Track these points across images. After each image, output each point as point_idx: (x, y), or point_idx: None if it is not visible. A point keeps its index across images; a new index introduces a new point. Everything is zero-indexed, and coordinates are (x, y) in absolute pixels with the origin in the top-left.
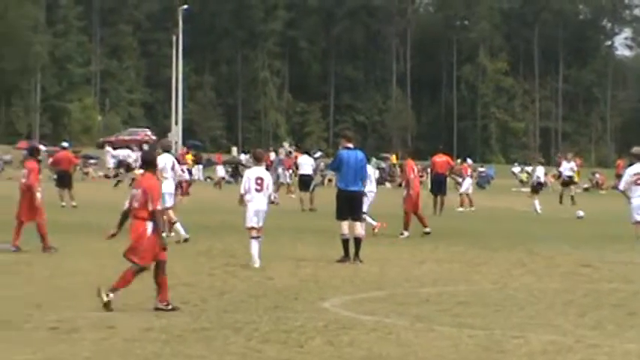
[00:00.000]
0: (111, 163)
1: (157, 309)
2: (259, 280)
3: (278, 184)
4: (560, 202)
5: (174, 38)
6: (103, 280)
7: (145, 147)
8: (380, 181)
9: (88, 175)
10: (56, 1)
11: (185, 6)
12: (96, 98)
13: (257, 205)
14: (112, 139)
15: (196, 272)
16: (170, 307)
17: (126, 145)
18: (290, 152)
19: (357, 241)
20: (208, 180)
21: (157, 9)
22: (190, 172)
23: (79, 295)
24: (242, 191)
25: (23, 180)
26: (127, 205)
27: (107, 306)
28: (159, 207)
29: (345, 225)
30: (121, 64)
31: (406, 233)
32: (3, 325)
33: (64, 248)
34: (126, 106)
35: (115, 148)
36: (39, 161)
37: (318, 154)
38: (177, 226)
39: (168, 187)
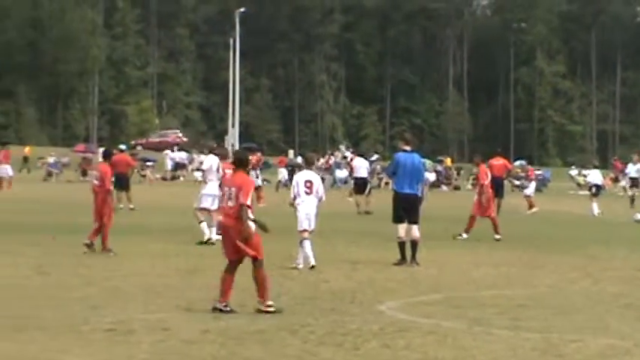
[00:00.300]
0: (169, 165)
1: (258, 311)
2: (315, 282)
3: (350, 192)
4: (632, 205)
5: (231, 41)
6: (159, 281)
7: (176, 148)
8: (436, 184)
9: (146, 177)
10: (114, 4)
11: (242, 9)
12: (153, 101)
13: (307, 208)
14: (143, 141)
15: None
16: (269, 304)
17: (180, 147)
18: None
19: (414, 243)
20: (265, 183)
21: (213, 12)
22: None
23: (135, 297)
24: (292, 196)
25: (95, 182)
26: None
27: (279, 311)
28: (248, 202)
29: (401, 228)
30: (178, 67)
31: (465, 235)
32: (61, 327)
33: (122, 250)
34: (183, 109)
35: (172, 150)
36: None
37: (375, 157)
38: (203, 225)
39: (212, 189)
